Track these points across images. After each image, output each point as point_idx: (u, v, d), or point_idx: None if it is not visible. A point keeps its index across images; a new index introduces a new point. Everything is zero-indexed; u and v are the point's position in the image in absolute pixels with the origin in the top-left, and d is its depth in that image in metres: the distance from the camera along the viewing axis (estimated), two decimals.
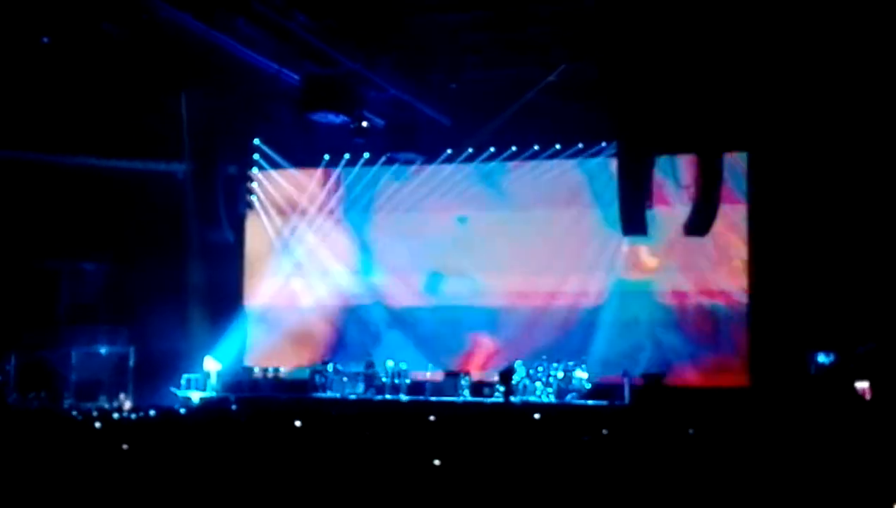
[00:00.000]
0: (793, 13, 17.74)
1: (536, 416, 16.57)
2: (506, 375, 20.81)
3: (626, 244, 22.05)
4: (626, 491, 9.10)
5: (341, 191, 24.56)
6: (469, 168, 23.60)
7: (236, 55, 19.11)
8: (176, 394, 22.01)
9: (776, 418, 16.63)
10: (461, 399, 21.20)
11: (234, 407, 20.76)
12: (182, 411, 19.44)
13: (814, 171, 20.30)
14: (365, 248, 24.51)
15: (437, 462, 9.89)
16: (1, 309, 22.30)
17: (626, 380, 20.60)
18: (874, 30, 17.91)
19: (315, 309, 24.43)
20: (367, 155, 23.81)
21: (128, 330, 23.41)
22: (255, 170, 24.94)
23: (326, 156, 24.36)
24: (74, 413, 18.47)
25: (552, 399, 20.88)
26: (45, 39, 18.33)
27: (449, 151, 23.42)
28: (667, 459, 10.73)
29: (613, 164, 21.05)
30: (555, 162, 23.06)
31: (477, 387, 21.52)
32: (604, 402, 20.41)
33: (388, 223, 24.31)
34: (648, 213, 19.03)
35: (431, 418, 16.21)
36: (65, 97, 21.25)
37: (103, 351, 22.97)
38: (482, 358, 22.95)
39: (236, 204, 24.70)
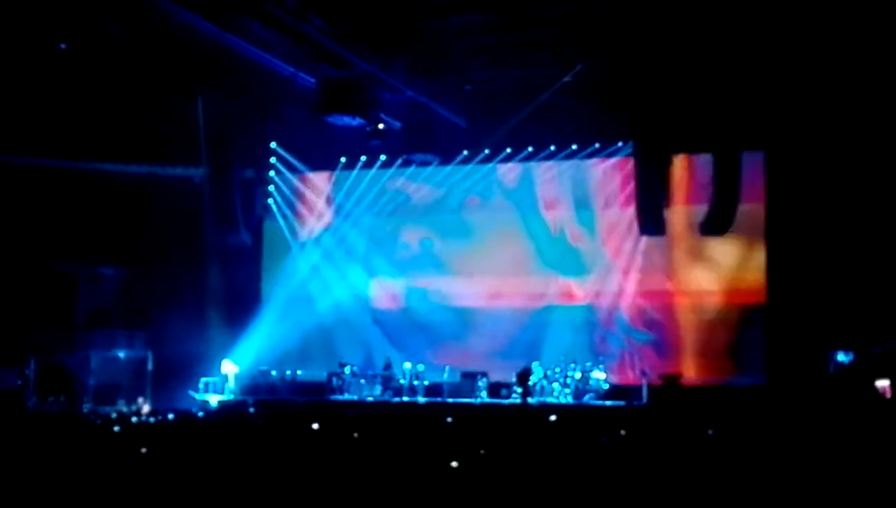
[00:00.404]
0: (808, 12, 17.66)
1: (552, 418, 16.53)
2: (523, 376, 20.75)
3: None
4: (645, 492, 9.07)
5: (358, 192, 24.54)
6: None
7: (252, 58, 19.20)
8: (194, 398, 22.06)
9: (795, 417, 16.55)
10: (479, 400, 21.18)
11: (251, 409, 20.79)
12: (200, 414, 19.48)
13: (831, 170, 20.20)
14: (382, 250, 24.53)
15: (454, 463, 9.88)
16: (19, 314, 22.40)
17: (644, 381, 20.54)
18: (890, 28, 17.82)
19: (333, 311, 24.45)
20: (383, 157, 23.81)
21: (145, 334, 23.48)
22: (271, 173, 24.97)
23: (343, 159, 24.37)
24: (93, 417, 18.53)
25: (570, 400, 20.83)
26: (62, 46, 18.43)
27: (465, 152, 23.41)
28: (685, 460, 10.69)
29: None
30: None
31: (494, 389, 21.49)
32: (622, 403, 20.34)
33: (403, 225, 24.36)
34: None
35: (449, 420, 16.19)
36: (82, 103, 21.34)
37: (122, 355, 23.04)
38: None
39: (253, 207, 24.79)
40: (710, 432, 13.69)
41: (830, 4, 17.46)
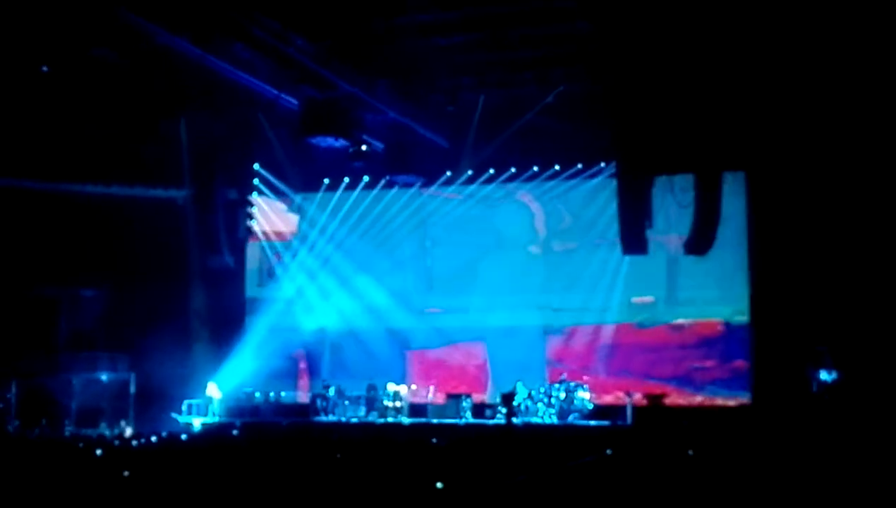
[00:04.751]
0: (790, 32, 17.80)
1: (532, 440, 16.55)
2: (508, 397, 20.74)
3: None
4: None
5: (341, 214, 24.53)
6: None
7: (235, 80, 19.21)
8: (177, 420, 21.95)
9: (778, 436, 16.59)
10: (463, 421, 21.15)
11: (236, 432, 20.72)
12: (184, 437, 19.39)
13: (812, 189, 20.31)
14: (365, 271, 24.50)
15: (439, 484, 9.87)
16: (1, 337, 22.26)
17: (628, 400, 20.55)
18: (869, 48, 17.97)
19: (316, 332, 24.41)
20: (366, 178, 23.83)
21: (128, 357, 23.34)
22: (254, 195, 24.94)
23: (326, 180, 24.38)
24: (75, 440, 18.42)
25: (554, 420, 20.81)
26: (45, 68, 18.40)
27: (448, 173, 23.45)
28: (670, 479, 10.71)
29: None
30: None
31: (479, 409, 21.46)
32: (606, 423, 20.34)
33: (387, 246, 24.36)
34: None
35: (434, 440, 16.18)
36: (64, 124, 21.29)
37: (104, 377, 22.89)
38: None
39: (236, 228, 24.70)
40: (692, 452, 13.72)
41: (811, 25, 17.59)
